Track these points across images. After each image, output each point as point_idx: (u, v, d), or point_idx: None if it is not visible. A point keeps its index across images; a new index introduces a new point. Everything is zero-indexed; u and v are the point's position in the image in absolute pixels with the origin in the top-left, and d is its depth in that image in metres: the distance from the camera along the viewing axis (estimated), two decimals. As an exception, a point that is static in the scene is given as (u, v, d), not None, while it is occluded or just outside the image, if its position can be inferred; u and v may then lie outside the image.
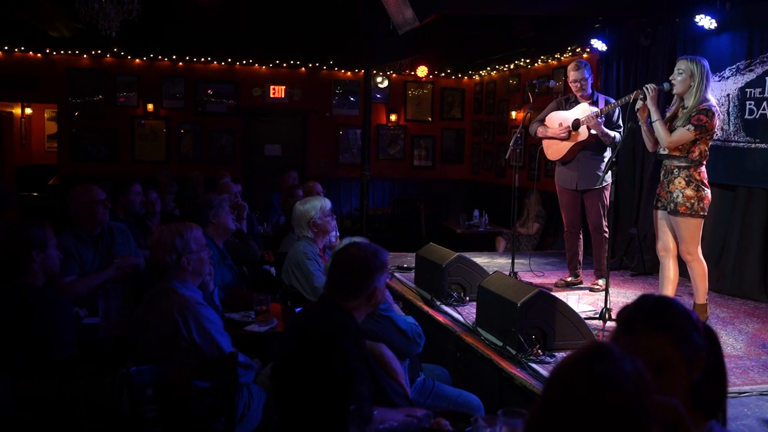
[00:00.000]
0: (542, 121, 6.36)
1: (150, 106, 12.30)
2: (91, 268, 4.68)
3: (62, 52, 11.82)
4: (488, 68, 12.63)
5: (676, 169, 4.89)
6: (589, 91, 6.17)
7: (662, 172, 5.05)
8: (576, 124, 6.07)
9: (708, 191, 4.88)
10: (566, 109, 6.24)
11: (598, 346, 1.57)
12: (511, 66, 11.75)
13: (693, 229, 4.87)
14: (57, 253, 3.74)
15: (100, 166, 11.90)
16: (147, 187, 7.24)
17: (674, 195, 4.87)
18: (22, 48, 11.69)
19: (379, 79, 12.87)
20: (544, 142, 6.39)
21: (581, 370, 1.52)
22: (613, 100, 6.07)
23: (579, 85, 6.10)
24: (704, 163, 4.88)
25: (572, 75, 6.11)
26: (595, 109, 5.98)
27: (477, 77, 13.40)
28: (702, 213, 4.85)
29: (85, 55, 11.96)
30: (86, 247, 4.73)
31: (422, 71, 12.45)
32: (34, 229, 3.59)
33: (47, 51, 11.77)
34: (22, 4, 9.69)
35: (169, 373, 3.14)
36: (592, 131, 5.97)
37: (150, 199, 7.03)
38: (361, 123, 10.72)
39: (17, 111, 14.90)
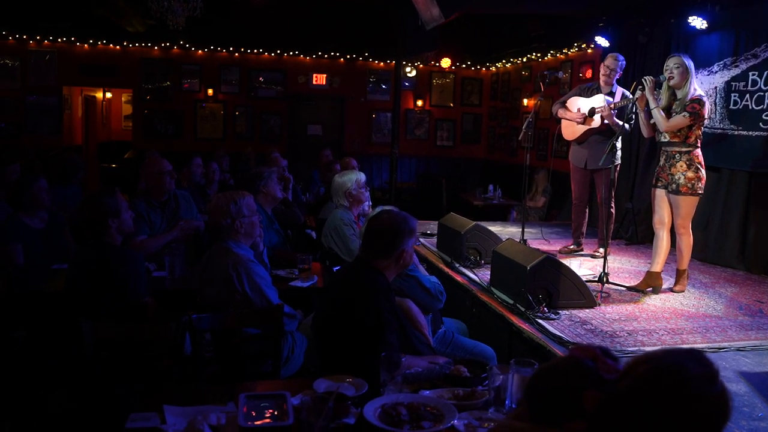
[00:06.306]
0: (563, 103, 6.23)
1: (210, 91, 12.31)
2: (159, 230, 4.72)
3: (137, 44, 11.87)
4: (503, 61, 12.45)
5: (678, 154, 4.80)
6: (613, 82, 6.03)
7: (663, 157, 4.93)
8: (591, 111, 5.95)
9: (704, 172, 4.81)
10: (586, 97, 6.09)
11: (695, 352, 1.35)
12: (524, 59, 11.57)
13: (691, 205, 4.82)
14: (130, 213, 3.74)
15: (168, 142, 11.93)
16: (207, 160, 7.24)
17: (676, 177, 4.78)
18: (104, 41, 11.77)
19: (407, 69, 12.74)
20: (562, 123, 6.25)
21: (679, 366, 1.31)
22: (629, 95, 5.85)
23: (608, 73, 5.96)
24: (699, 145, 4.80)
25: (608, 62, 5.98)
26: (610, 100, 5.87)
27: (493, 68, 13.19)
28: (700, 192, 4.79)
29: (155, 47, 11.99)
30: (155, 212, 4.75)
31: (446, 62, 12.39)
32: (107, 199, 3.56)
33: (124, 44, 11.84)
34: (102, 4, 9.71)
35: (224, 320, 3.13)
36: (605, 120, 5.85)
37: (210, 170, 7.04)
38: (392, 107, 10.69)
39: (99, 95, 15.00)
